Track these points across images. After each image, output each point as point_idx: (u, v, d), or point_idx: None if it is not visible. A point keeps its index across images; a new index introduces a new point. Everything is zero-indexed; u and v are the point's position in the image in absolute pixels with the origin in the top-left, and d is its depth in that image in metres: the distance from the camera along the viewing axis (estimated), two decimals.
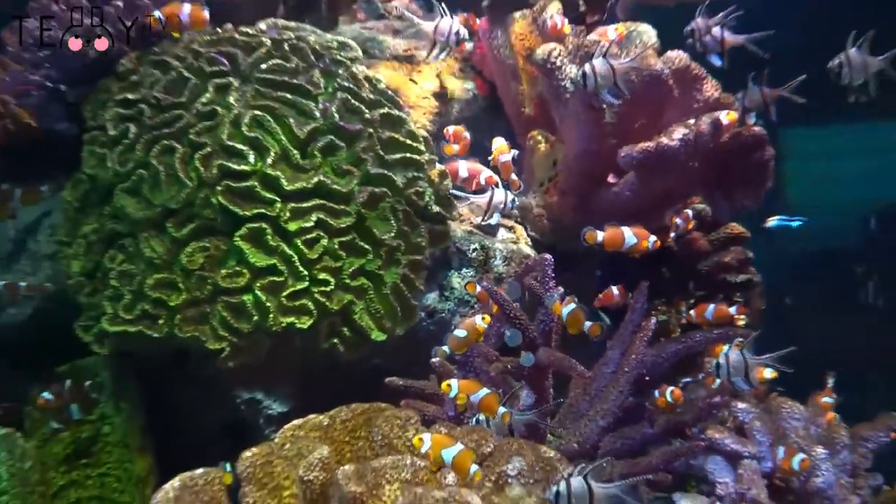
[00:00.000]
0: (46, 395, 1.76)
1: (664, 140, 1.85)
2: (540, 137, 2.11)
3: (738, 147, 1.96)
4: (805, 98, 1.85)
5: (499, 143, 2.02)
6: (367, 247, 1.74)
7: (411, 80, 2.21)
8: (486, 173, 1.97)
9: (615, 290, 1.91)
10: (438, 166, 1.91)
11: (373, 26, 2.40)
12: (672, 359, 1.87)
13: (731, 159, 1.98)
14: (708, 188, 2.06)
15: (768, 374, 1.69)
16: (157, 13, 1.78)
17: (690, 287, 2.36)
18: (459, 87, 2.20)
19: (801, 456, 1.75)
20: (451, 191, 1.93)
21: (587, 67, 1.72)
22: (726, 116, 1.92)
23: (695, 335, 1.92)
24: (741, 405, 1.88)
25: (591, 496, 1.36)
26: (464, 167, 1.97)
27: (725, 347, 1.70)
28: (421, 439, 1.37)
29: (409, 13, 2.22)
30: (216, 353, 1.67)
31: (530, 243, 2.09)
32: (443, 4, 1.96)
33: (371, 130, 1.78)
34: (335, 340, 1.74)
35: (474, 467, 1.38)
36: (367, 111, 1.78)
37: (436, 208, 1.87)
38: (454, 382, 1.42)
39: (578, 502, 1.36)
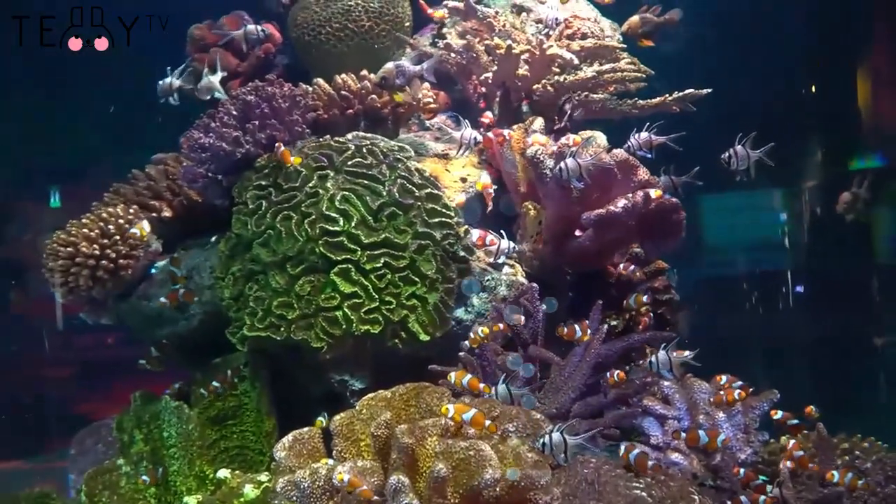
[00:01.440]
0: (215, 383, 1.80)
1: (612, 207, 1.84)
2: (530, 206, 2.10)
3: (660, 211, 1.95)
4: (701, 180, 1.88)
5: (484, 179, 2.04)
6: (416, 279, 1.74)
7: (446, 169, 2.20)
8: (490, 236, 1.96)
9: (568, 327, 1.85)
10: (465, 227, 1.93)
11: (421, 134, 2.40)
12: (619, 352, 1.86)
13: (657, 219, 1.97)
14: (642, 238, 2.04)
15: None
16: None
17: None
18: (477, 174, 2.19)
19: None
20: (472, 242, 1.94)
21: (562, 163, 1.74)
22: (654, 192, 1.92)
23: (633, 336, 1.91)
24: (665, 383, 1.86)
25: (565, 445, 1.36)
26: (477, 233, 1.96)
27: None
28: (447, 408, 1.37)
29: (445, 126, 2.22)
30: (318, 349, 1.68)
31: (524, 276, 2.08)
32: (466, 121, 1.99)
33: (419, 204, 1.79)
34: (396, 340, 1.74)
35: (488, 422, 1.39)
36: (416, 191, 1.79)
37: (462, 253, 1.87)
38: (451, 406, 1.37)
39: (557, 449, 1.35)
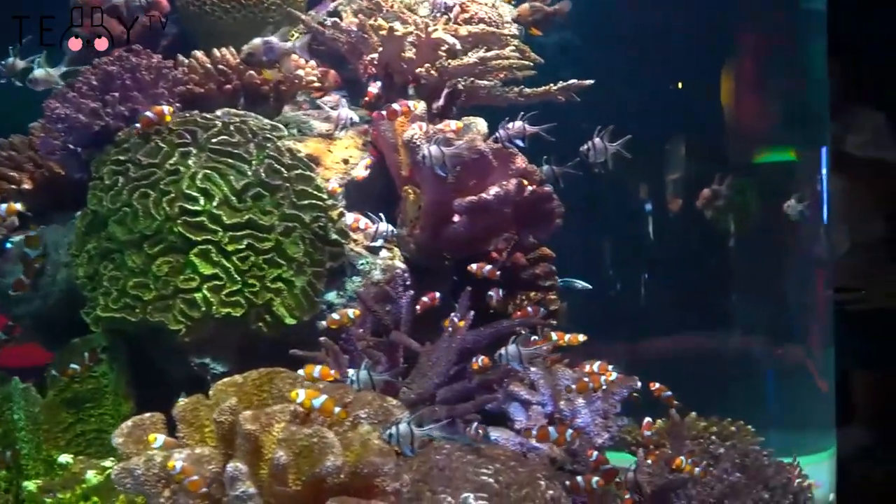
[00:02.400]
0: (73, 365, 1.72)
1: (483, 195, 1.84)
2: (410, 190, 2.07)
3: (535, 200, 1.96)
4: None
5: (358, 171, 2.03)
6: (282, 262, 1.69)
7: (329, 150, 2.15)
8: (364, 220, 1.92)
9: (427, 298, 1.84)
10: (339, 209, 1.89)
11: (310, 113, 2.32)
12: (488, 338, 1.86)
13: (531, 208, 1.98)
14: (518, 225, 2.04)
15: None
16: (148, 113, 1.74)
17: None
18: (359, 156, 2.15)
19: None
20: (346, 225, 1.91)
21: (425, 150, 1.72)
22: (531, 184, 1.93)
23: (503, 323, 1.91)
24: (532, 368, 1.88)
25: (412, 435, 1.35)
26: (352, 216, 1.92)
27: None
28: (297, 393, 1.35)
29: (323, 105, 2.16)
30: (176, 332, 1.63)
31: (402, 260, 2.05)
32: (343, 100, 1.95)
33: (288, 185, 1.74)
34: (260, 324, 1.70)
35: (338, 409, 1.36)
36: (285, 171, 1.74)
37: (334, 236, 1.84)
38: (301, 392, 1.34)
39: (404, 440, 1.34)
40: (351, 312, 1.66)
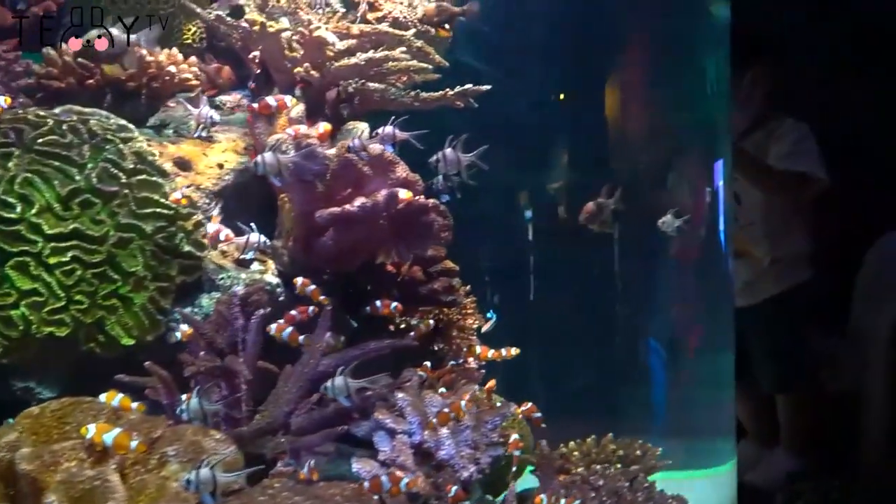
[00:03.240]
0: None
1: (348, 206, 1.70)
2: (286, 199, 1.93)
3: (413, 212, 1.82)
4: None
5: None
6: (117, 276, 1.54)
7: (204, 153, 2.00)
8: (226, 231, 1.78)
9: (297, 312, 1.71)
10: (196, 219, 1.74)
11: (193, 114, 2.18)
12: (351, 361, 1.72)
13: (409, 220, 1.84)
14: (396, 239, 1.90)
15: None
16: None
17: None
18: (236, 161, 2.00)
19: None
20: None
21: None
22: (404, 193, 1.79)
23: (369, 345, 1.77)
24: (400, 395, 1.74)
25: (214, 482, 1.20)
26: (213, 226, 1.77)
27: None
28: (87, 428, 1.20)
29: (185, 103, 2.00)
30: None
31: (276, 273, 1.91)
32: (204, 97, 1.82)
33: (127, 191, 1.58)
34: (92, 344, 1.54)
35: (134, 444, 1.21)
36: (124, 177, 1.58)
37: (187, 248, 1.68)
38: (91, 427, 1.20)
39: (204, 486, 1.19)
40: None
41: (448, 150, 1.65)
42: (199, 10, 2.30)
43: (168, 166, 1.84)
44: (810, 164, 2.69)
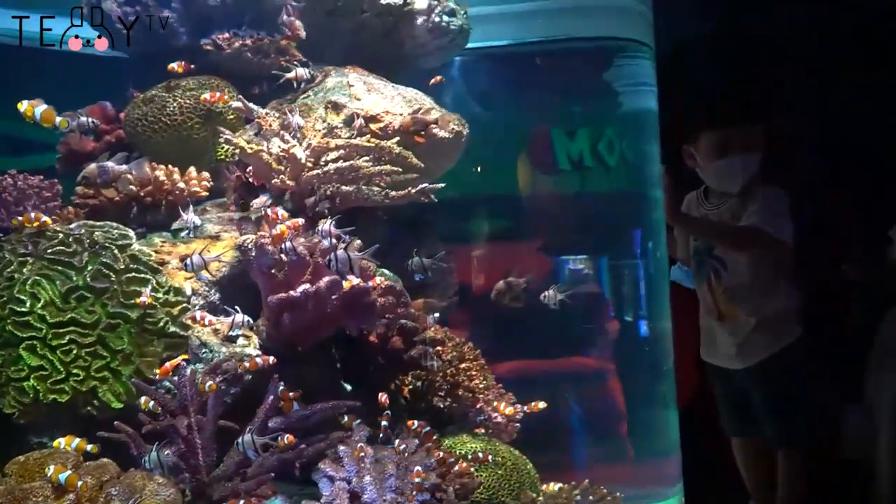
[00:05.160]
0: None
1: (291, 292, 2.00)
2: None
3: (356, 294, 2.10)
4: None
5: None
6: (106, 354, 1.91)
7: (208, 251, 2.30)
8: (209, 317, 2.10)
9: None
10: (182, 306, 2.09)
11: (207, 218, 2.54)
12: (298, 420, 2.00)
13: (355, 301, 2.11)
14: (347, 317, 2.17)
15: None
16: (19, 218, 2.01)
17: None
18: (232, 255, 2.33)
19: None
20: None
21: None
22: (346, 283, 2.07)
23: (317, 406, 2.04)
24: (341, 447, 1.99)
25: None
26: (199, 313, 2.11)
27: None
28: (49, 468, 1.52)
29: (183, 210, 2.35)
30: (11, 414, 1.85)
31: (257, 347, 2.21)
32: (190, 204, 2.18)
33: (116, 287, 1.96)
34: (89, 408, 1.90)
35: (80, 483, 1.52)
36: (114, 276, 1.96)
37: (173, 329, 2.03)
38: (51, 468, 1.51)
39: None
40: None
41: (340, 252, 1.91)
42: (244, 132, 2.68)
43: (175, 262, 2.23)
44: (776, 225, 2.72)
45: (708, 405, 2.88)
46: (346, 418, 2.09)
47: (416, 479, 1.90)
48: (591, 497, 2.36)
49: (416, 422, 2.07)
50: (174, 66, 2.42)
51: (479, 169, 2.54)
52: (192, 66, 2.47)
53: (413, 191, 2.45)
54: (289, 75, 2.64)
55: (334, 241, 2.10)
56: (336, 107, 2.76)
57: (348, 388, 2.44)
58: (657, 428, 2.56)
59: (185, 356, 1.94)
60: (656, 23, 2.68)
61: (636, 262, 2.66)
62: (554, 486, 2.42)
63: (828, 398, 2.74)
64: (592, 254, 2.53)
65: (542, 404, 2.38)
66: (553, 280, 2.29)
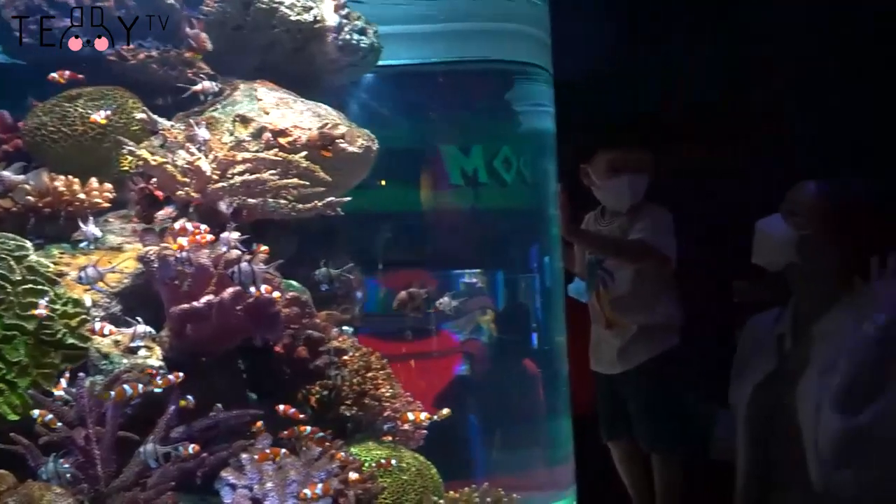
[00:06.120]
0: None
1: (194, 303, 2.02)
2: None
3: (261, 304, 2.13)
4: None
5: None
6: (2, 366, 1.88)
7: (109, 262, 2.30)
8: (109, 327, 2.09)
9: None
10: (82, 317, 2.07)
11: (112, 229, 2.51)
12: (202, 429, 2.01)
13: (260, 312, 2.14)
14: (252, 327, 2.19)
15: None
16: None
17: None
18: (134, 267, 2.32)
19: None
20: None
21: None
22: (256, 292, 2.10)
23: (219, 415, 2.06)
24: (244, 455, 2.01)
25: None
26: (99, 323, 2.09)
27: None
28: None
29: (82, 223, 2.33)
30: None
31: (160, 358, 2.20)
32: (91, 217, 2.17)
33: (12, 298, 1.93)
34: None
35: None
36: (10, 287, 1.93)
37: (71, 340, 2.01)
38: None
39: None
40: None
41: (244, 264, 1.95)
42: (149, 143, 2.64)
43: (74, 273, 2.20)
44: (660, 241, 2.92)
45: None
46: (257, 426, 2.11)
47: (318, 485, 1.94)
48: (488, 499, 2.45)
49: (307, 428, 2.10)
50: (55, 75, 2.37)
51: (383, 183, 2.61)
52: (81, 77, 2.43)
53: (320, 204, 2.50)
54: (195, 88, 2.65)
55: (238, 252, 2.12)
56: (244, 120, 2.78)
57: (254, 397, 2.46)
58: (552, 436, 2.68)
59: None
60: (554, 49, 2.83)
61: (532, 276, 2.79)
62: (454, 493, 2.50)
63: (699, 403, 2.93)
64: (487, 268, 2.64)
65: (446, 411, 2.46)
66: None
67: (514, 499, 2.51)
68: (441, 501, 2.46)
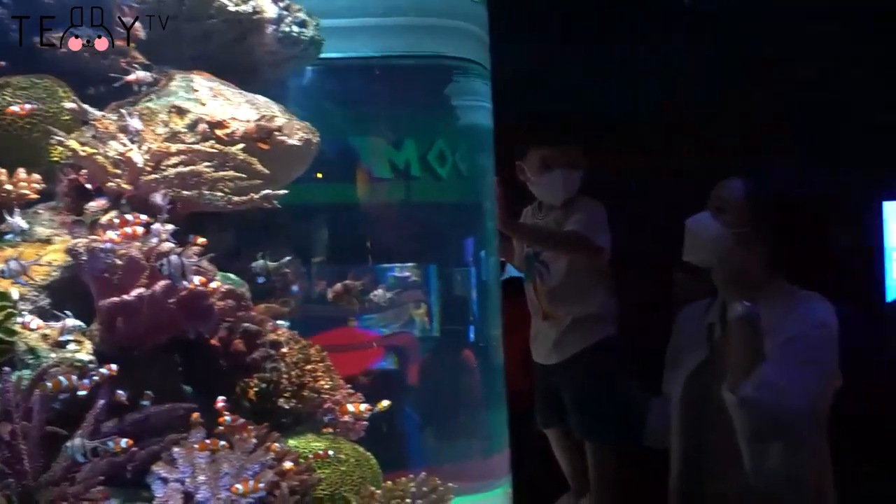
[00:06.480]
0: None
1: (125, 296, 2.00)
2: None
3: (193, 298, 2.11)
4: None
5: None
6: None
7: (37, 254, 2.27)
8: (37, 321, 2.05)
9: None
10: (8, 311, 2.03)
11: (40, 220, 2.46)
12: (137, 423, 1.99)
13: (193, 305, 2.13)
14: (185, 320, 2.17)
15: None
16: None
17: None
18: (63, 259, 2.27)
19: None
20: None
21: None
22: (190, 284, 2.08)
23: (150, 409, 2.05)
24: (176, 449, 2.00)
25: None
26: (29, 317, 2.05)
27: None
28: None
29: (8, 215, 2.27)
30: None
31: (90, 352, 2.17)
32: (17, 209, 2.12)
33: None
34: None
35: None
36: None
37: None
38: None
39: None
40: None
41: (173, 257, 1.94)
42: (82, 133, 2.58)
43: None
44: (594, 233, 2.99)
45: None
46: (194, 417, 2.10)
47: (249, 481, 1.94)
48: (424, 488, 2.48)
49: (239, 419, 2.10)
50: None
51: (319, 176, 2.62)
52: (3, 64, 2.36)
53: (256, 197, 2.49)
54: (128, 78, 2.61)
55: (170, 245, 2.10)
56: (180, 111, 2.74)
57: (189, 391, 2.44)
58: (488, 426, 2.73)
59: None
60: (492, 46, 2.87)
61: (468, 269, 2.83)
62: (391, 483, 2.53)
63: (634, 392, 3.02)
64: (419, 261, 2.66)
65: (386, 403, 2.48)
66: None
67: (449, 487, 2.55)
68: (378, 491, 2.48)
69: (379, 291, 2.37)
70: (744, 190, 2.67)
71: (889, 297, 4.38)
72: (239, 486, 1.86)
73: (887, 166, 4.23)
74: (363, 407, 2.58)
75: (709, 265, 2.79)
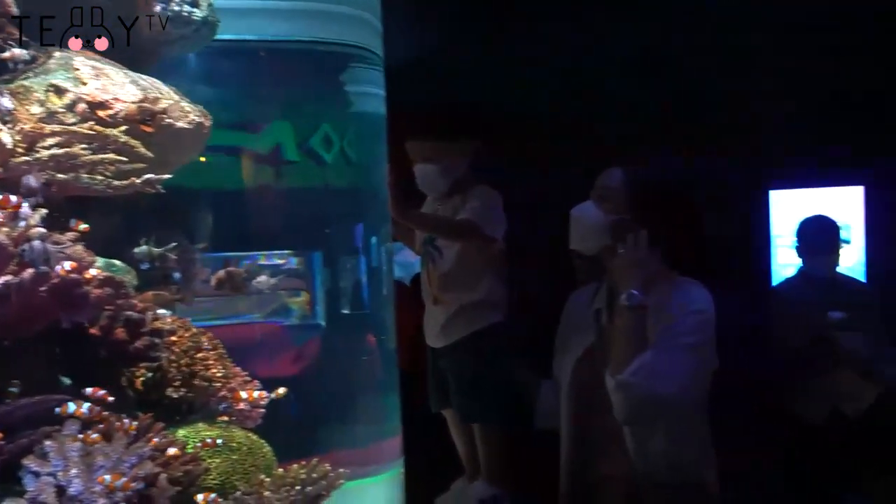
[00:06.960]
0: None
1: None
2: None
3: (66, 285, 2.03)
4: None
5: None
6: None
7: None
8: None
9: None
10: None
11: None
12: (4, 416, 1.92)
13: (67, 293, 2.04)
14: (59, 309, 2.09)
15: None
16: None
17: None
18: None
19: None
20: None
21: None
22: (61, 271, 2.00)
23: (20, 402, 1.96)
24: (48, 442, 1.93)
25: None
26: None
27: None
28: None
29: None
30: None
31: None
32: None
33: None
34: None
35: None
36: None
37: None
38: None
39: None
40: None
41: (36, 242, 1.87)
42: None
43: None
44: (487, 221, 3.05)
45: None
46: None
47: (126, 469, 1.90)
48: (314, 475, 2.48)
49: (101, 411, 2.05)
50: None
51: (203, 160, 2.57)
52: None
53: (138, 181, 2.41)
54: (3, 55, 2.47)
55: (41, 230, 2.02)
56: (58, 90, 2.61)
57: (68, 382, 2.35)
58: (380, 410, 2.75)
59: None
60: (385, 35, 2.87)
61: (357, 257, 2.83)
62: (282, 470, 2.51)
63: (521, 376, 3.11)
64: (302, 248, 2.65)
65: (282, 390, 2.46)
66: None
67: (340, 473, 2.55)
68: (268, 479, 2.47)
69: (262, 278, 2.35)
70: (623, 178, 2.77)
71: (773, 283, 4.63)
72: (107, 476, 1.81)
73: (774, 157, 4.45)
74: (257, 394, 2.55)
75: (594, 253, 2.88)
